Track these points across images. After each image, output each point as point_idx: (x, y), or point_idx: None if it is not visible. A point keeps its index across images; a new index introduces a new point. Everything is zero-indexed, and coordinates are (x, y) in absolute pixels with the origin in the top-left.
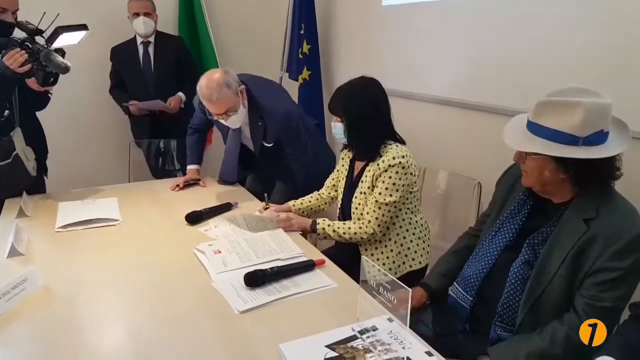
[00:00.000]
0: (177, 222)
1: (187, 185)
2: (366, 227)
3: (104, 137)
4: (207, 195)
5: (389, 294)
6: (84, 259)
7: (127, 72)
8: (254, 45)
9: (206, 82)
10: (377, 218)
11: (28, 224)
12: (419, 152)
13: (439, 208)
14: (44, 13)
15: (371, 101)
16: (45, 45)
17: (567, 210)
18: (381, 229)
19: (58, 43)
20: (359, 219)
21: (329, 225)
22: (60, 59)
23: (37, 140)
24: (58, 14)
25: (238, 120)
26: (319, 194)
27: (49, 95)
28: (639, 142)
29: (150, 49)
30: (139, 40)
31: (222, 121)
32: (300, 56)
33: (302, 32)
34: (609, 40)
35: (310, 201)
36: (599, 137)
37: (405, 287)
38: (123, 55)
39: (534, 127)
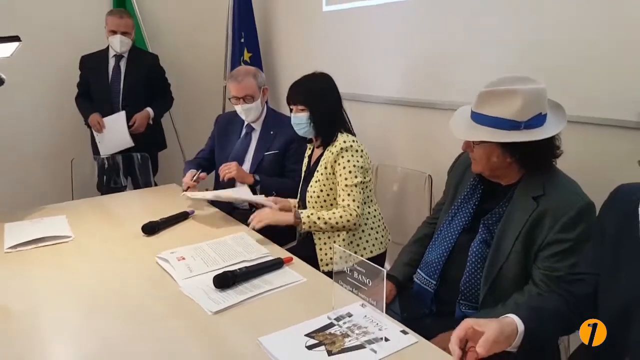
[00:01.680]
0: (134, 234)
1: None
2: (350, 210)
3: (44, 154)
4: (162, 205)
5: (363, 277)
6: (40, 277)
7: (94, 84)
8: (195, 56)
9: (242, 67)
10: (354, 200)
11: None
12: (369, 151)
13: (394, 203)
14: None
15: (332, 91)
16: None
17: (517, 190)
18: (361, 210)
19: None
20: (314, 207)
21: (312, 214)
22: None
23: None
24: None
25: (251, 110)
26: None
27: None
28: (575, 125)
29: (122, 63)
30: (112, 52)
31: (239, 108)
32: (241, 64)
33: (242, 40)
34: (539, 26)
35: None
36: (538, 120)
37: (380, 268)
38: (92, 65)
39: (477, 117)
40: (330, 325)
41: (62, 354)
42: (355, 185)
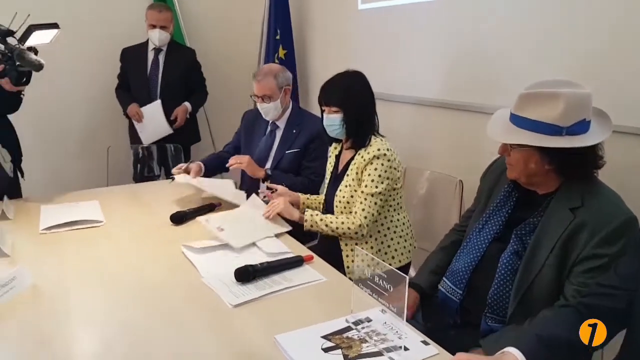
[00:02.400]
0: (162, 223)
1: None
2: (354, 218)
3: (81, 141)
4: (190, 196)
5: (384, 282)
6: (71, 259)
7: (133, 75)
8: (230, 52)
9: (266, 65)
10: (363, 209)
11: (11, 226)
12: (400, 152)
13: (421, 208)
14: (16, 13)
15: (367, 91)
16: (18, 45)
17: (553, 200)
18: (368, 221)
19: (31, 41)
20: (342, 212)
21: (316, 214)
22: (34, 56)
23: (10, 143)
24: (29, 15)
25: (270, 110)
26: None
27: (21, 96)
28: (620, 135)
29: (161, 57)
30: (151, 46)
31: (259, 104)
32: (276, 61)
33: (277, 37)
34: (587, 34)
35: (316, 198)
36: (581, 127)
37: (402, 274)
38: (132, 58)
39: (517, 120)
40: (348, 328)
41: (84, 333)
42: (372, 195)
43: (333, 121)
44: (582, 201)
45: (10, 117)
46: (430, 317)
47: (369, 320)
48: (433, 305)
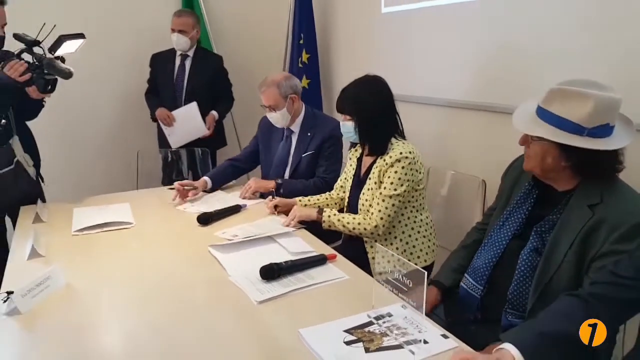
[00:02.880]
0: (189, 224)
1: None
2: (370, 219)
3: (112, 145)
4: (216, 198)
5: (404, 278)
6: (102, 259)
7: (160, 81)
8: (255, 57)
9: (269, 76)
10: (380, 211)
11: (45, 229)
12: (424, 153)
13: (444, 207)
14: (44, 24)
15: (379, 97)
16: (44, 55)
17: (572, 198)
18: (384, 222)
19: (60, 51)
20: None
21: (334, 215)
22: (63, 65)
23: (30, 148)
24: (55, 25)
25: (277, 118)
26: (329, 194)
27: (43, 103)
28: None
29: (187, 63)
30: (178, 52)
31: (267, 113)
32: (300, 65)
33: (301, 41)
34: (612, 39)
35: (318, 199)
36: (604, 130)
37: (422, 270)
38: (160, 63)
39: (542, 113)
40: (370, 323)
41: (114, 331)
42: (390, 197)
43: (348, 128)
44: (601, 198)
45: (38, 122)
46: (451, 313)
47: (390, 315)
48: (454, 301)
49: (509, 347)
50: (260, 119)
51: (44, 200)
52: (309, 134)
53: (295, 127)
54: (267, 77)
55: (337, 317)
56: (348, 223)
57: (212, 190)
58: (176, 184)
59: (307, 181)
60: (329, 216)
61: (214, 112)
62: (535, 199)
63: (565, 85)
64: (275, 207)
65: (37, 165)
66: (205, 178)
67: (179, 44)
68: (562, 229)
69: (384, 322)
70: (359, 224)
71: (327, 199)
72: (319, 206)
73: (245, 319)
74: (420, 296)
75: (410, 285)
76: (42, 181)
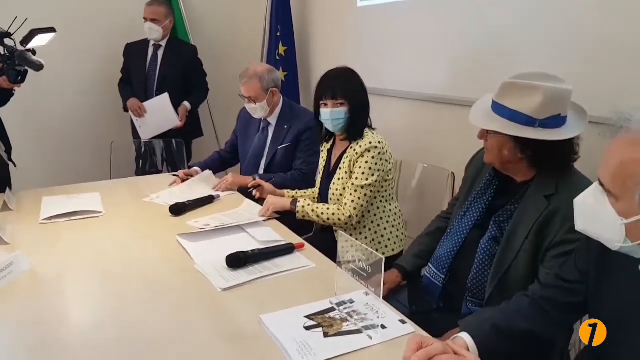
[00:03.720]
0: (161, 214)
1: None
2: (344, 209)
3: (85, 136)
4: (191, 188)
5: (364, 264)
6: (69, 247)
7: (133, 70)
8: (233, 47)
9: (250, 67)
10: (353, 201)
11: (13, 217)
12: (396, 147)
13: (415, 199)
14: (15, 17)
15: (363, 86)
16: (15, 47)
17: (530, 188)
18: (357, 212)
19: (32, 44)
20: (335, 204)
21: (308, 205)
22: (34, 57)
23: (0, 133)
24: (26, 19)
25: (256, 110)
26: (313, 190)
27: (13, 92)
28: (597, 126)
29: (160, 53)
30: (151, 42)
31: (246, 104)
32: (277, 57)
33: (278, 33)
34: (595, 27)
35: (305, 192)
36: (555, 121)
37: (379, 255)
38: (134, 53)
39: (497, 107)
40: (331, 309)
41: (77, 317)
42: (362, 187)
43: (338, 114)
44: (556, 189)
45: (10, 109)
46: (415, 301)
47: (352, 302)
48: (418, 289)
49: (463, 336)
50: (239, 110)
51: (10, 187)
52: (285, 127)
53: (273, 119)
54: (248, 68)
55: (299, 304)
56: (322, 213)
57: None
58: (181, 173)
59: (285, 175)
60: (303, 206)
61: (186, 103)
62: (495, 189)
63: (517, 78)
64: (257, 188)
65: (7, 151)
66: (196, 168)
67: (152, 33)
68: (519, 218)
69: (344, 309)
70: (332, 214)
71: (312, 192)
72: (292, 196)
73: (208, 306)
74: (379, 281)
75: (370, 270)
76: (14, 165)
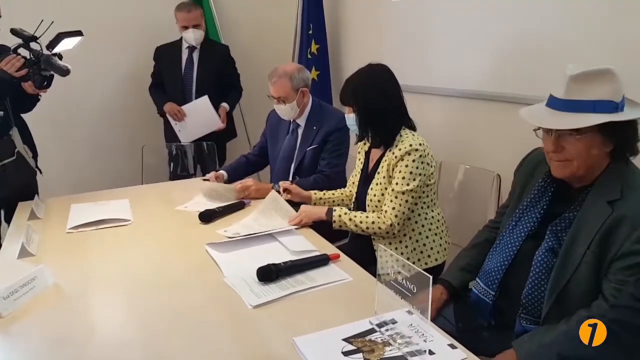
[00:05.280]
0: (190, 221)
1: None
2: (384, 217)
3: (117, 140)
4: (221, 194)
5: (408, 282)
6: (95, 259)
7: (167, 74)
8: (263, 47)
9: (279, 67)
10: (394, 208)
11: (40, 225)
12: (435, 147)
13: (456, 204)
14: (42, 20)
15: (382, 86)
16: (41, 51)
17: (590, 193)
18: (399, 220)
19: (59, 48)
20: (374, 211)
21: (345, 214)
22: (61, 62)
23: (27, 140)
24: (53, 22)
25: (286, 111)
26: (342, 191)
27: (39, 97)
28: None
29: (195, 55)
30: (185, 45)
31: (275, 105)
32: (309, 56)
33: (310, 32)
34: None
35: (333, 194)
36: (625, 103)
37: (426, 274)
38: (166, 57)
39: (568, 104)
40: (372, 331)
41: (101, 334)
42: (403, 193)
43: (351, 121)
44: (620, 193)
45: (37, 115)
46: (462, 318)
47: (394, 322)
48: (465, 306)
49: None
50: (269, 113)
51: (38, 195)
52: (314, 128)
53: (302, 121)
54: (278, 67)
55: (336, 324)
56: (361, 222)
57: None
58: (212, 177)
59: (307, 178)
60: (340, 216)
61: (225, 105)
62: (551, 195)
63: (579, 69)
64: (286, 191)
65: (34, 157)
66: (223, 172)
67: (197, 39)
68: (579, 227)
69: (386, 330)
70: (372, 222)
71: (341, 194)
72: (328, 206)
73: (238, 325)
74: (425, 302)
75: (415, 290)
76: (41, 173)
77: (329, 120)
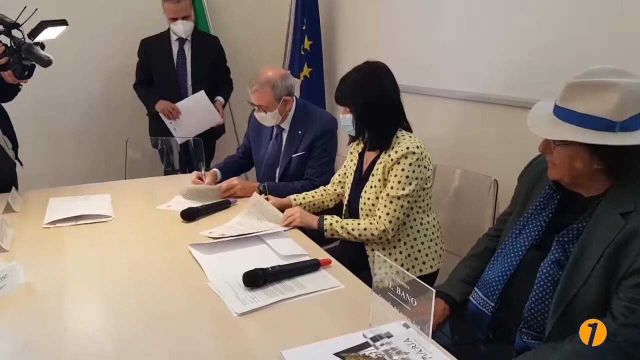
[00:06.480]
0: (173, 219)
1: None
2: (377, 223)
3: (102, 134)
4: (206, 191)
5: (406, 294)
6: (71, 256)
7: (158, 69)
8: (255, 42)
9: (261, 72)
10: (388, 213)
11: (15, 219)
12: (431, 150)
13: (452, 209)
14: (25, 7)
15: (379, 86)
16: (23, 39)
17: (601, 204)
18: (393, 225)
19: (41, 37)
20: (367, 216)
21: (337, 222)
22: (42, 52)
23: (8, 131)
24: (37, 9)
25: (267, 119)
26: (324, 189)
27: (19, 87)
28: None
29: (187, 48)
30: (174, 37)
31: (256, 113)
32: (302, 53)
33: (304, 27)
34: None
35: (313, 196)
36: (637, 122)
37: (429, 287)
38: (155, 50)
39: (562, 113)
40: (366, 345)
41: (73, 337)
42: (399, 198)
43: (347, 121)
44: (634, 205)
45: (17, 106)
46: (458, 330)
47: (390, 336)
48: (463, 317)
49: None
50: (250, 114)
51: (17, 187)
52: (299, 132)
53: (286, 125)
54: (259, 74)
55: (327, 335)
56: (353, 230)
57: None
58: (194, 177)
59: (294, 184)
60: (331, 224)
61: (220, 98)
62: (557, 204)
63: (583, 77)
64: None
65: (14, 148)
66: (215, 170)
67: (187, 31)
68: (589, 239)
69: (381, 345)
70: (365, 229)
71: (322, 195)
72: (300, 203)
73: (221, 334)
74: (426, 315)
75: (414, 302)
76: (21, 165)
77: (315, 124)
